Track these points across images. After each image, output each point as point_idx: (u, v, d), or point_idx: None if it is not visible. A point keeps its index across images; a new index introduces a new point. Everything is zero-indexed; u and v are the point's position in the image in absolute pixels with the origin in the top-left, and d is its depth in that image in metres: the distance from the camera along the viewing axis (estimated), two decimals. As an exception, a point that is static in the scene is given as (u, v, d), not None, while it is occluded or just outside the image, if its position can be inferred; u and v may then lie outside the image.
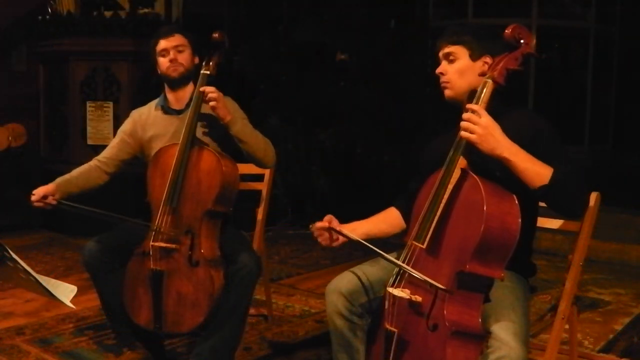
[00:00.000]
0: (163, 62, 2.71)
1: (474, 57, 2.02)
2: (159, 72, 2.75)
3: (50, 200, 2.53)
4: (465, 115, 1.82)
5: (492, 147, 1.80)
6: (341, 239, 2.07)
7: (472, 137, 1.80)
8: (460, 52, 2.03)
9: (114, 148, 2.82)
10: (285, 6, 6.47)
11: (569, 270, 2.14)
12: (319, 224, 2.07)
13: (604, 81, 7.11)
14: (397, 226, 2.25)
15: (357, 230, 2.12)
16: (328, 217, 2.08)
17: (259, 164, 2.71)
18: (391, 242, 2.14)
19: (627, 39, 7.03)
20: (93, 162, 2.79)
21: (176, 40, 2.70)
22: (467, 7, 6.73)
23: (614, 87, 7.19)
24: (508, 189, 1.80)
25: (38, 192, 2.53)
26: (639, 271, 4.60)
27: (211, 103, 2.54)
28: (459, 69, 2.03)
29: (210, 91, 2.55)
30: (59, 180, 2.64)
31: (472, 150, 1.85)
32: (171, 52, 2.69)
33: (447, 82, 2.06)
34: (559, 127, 1.97)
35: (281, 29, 6.22)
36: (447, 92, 2.07)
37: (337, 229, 2.05)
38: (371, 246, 1.92)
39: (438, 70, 2.08)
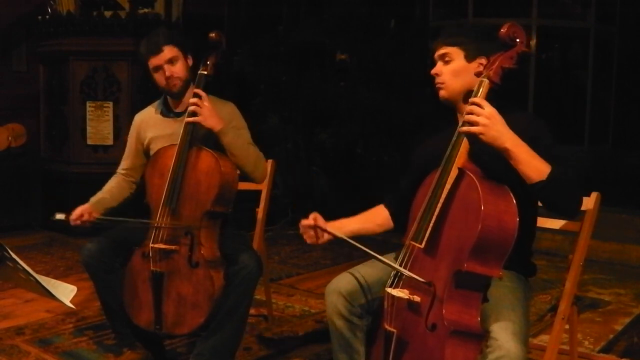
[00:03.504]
0: (159, 79, 2.65)
1: (469, 58, 2.02)
2: (157, 85, 2.70)
3: (86, 217, 2.59)
4: (468, 108, 1.81)
5: (495, 137, 1.78)
6: (326, 236, 2.09)
7: (476, 128, 1.79)
8: (455, 53, 2.03)
9: (130, 156, 2.84)
10: (285, 6, 6.47)
11: (569, 270, 2.14)
12: (304, 222, 2.10)
13: (604, 81, 7.10)
14: (385, 226, 2.26)
15: (343, 228, 2.13)
16: (313, 214, 2.10)
17: (248, 178, 2.69)
18: (392, 242, 2.14)
19: (627, 39, 7.03)
20: (117, 177, 2.84)
21: (166, 54, 2.60)
22: (467, 7, 6.73)
23: (614, 87, 7.18)
24: (507, 187, 1.80)
25: (76, 212, 2.59)
26: (639, 271, 4.60)
27: (193, 117, 2.52)
28: (454, 70, 2.03)
29: (192, 103, 2.52)
30: (92, 199, 2.70)
31: (471, 147, 1.85)
32: (165, 67, 2.61)
33: (442, 83, 2.06)
34: (559, 127, 1.98)
35: (281, 29, 6.22)
36: (442, 93, 2.07)
37: (322, 226, 2.07)
38: (355, 243, 1.94)
39: (433, 71, 2.08)
